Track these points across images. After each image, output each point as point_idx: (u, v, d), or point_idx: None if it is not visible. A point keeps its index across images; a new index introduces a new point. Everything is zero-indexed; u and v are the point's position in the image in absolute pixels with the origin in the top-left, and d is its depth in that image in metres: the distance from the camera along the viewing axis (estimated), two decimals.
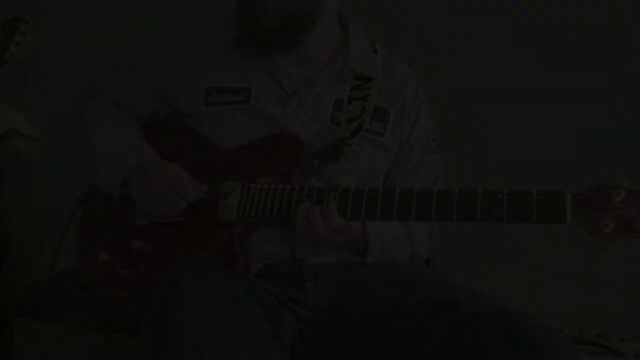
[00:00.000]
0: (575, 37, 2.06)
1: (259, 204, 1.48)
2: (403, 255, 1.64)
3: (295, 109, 1.59)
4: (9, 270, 2.14)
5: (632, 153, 2.00)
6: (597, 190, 1.26)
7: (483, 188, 1.32)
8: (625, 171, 1.30)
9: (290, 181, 1.50)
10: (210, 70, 1.61)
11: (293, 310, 1.53)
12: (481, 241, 2.05)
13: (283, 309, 1.52)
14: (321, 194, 1.43)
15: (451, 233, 1.66)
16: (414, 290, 1.49)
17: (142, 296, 1.49)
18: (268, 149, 1.55)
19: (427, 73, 1.74)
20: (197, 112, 1.61)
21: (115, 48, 2.20)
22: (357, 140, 1.58)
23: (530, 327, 1.32)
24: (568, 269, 2.04)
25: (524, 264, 2.08)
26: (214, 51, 1.63)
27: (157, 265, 1.55)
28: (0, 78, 2.04)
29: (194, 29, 1.72)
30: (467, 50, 2.11)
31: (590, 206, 1.25)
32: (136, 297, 1.53)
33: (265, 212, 1.47)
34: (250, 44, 1.61)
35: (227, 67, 1.62)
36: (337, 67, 1.64)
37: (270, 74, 1.61)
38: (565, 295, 2.04)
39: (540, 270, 2.08)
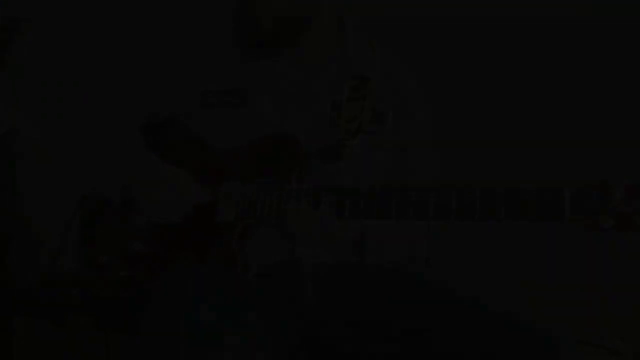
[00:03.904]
0: (574, 32, 2.06)
1: (258, 205, 1.48)
2: (403, 255, 1.64)
3: (293, 110, 1.59)
4: (9, 269, 2.13)
5: (631, 149, 2.00)
6: (595, 187, 1.24)
7: (481, 186, 1.31)
8: (624, 167, 1.29)
9: (288, 182, 1.50)
10: (208, 72, 1.61)
11: (293, 311, 1.53)
12: (481, 241, 2.04)
13: (282, 310, 1.52)
14: (318, 195, 1.43)
15: (450, 232, 1.66)
16: (414, 291, 1.49)
17: (141, 297, 1.49)
18: (266, 149, 1.55)
19: (425, 71, 1.74)
20: (194, 114, 1.61)
21: (114, 48, 2.21)
22: (356, 141, 1.58)
23: (530, 327, 1.32)
24: (568, 268, 2.04)
25: (524, 264, 2.08)
26: (211, 53, 1.63)
27: (156, 267, 1.55)
28: (0, 78, 2.04)
29: (191, 30, 1.72)
30: (465, 47, 2.11)
31: (589, 202, 1.24)
32: (136, 298, 1.53)
33: (264, 212, 1.47)
34: (247, 46, 1.61)
35: (224, 69, 1.62)
36: (335, 67, 1.64)
37: (267, 76, 1.61)
38: (565, 295, 2.04)
39: (541, 270, 2.07)
